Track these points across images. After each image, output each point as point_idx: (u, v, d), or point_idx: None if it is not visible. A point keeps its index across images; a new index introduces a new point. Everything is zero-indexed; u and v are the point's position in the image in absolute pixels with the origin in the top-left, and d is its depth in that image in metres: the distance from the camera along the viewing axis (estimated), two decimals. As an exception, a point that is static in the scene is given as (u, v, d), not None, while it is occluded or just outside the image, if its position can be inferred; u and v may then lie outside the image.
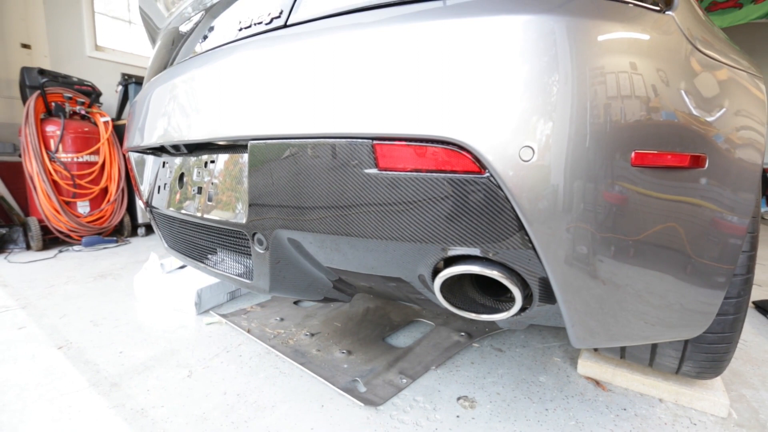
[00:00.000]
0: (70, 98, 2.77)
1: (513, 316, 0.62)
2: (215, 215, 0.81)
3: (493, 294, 0.69)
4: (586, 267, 0.55)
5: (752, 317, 1.53)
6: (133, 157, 1.19)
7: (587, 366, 1.09)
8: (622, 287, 0.60)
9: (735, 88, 0.68)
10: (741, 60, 0.75)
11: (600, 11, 0.51)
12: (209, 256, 0.97)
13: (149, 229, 3.21)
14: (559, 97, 0.48)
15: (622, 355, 0.99)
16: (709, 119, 0.61)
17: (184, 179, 0.92)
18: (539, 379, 1.08)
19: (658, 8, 0.57)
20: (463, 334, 1.31)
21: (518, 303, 0.59)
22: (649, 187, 0.55)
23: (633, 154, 0.53)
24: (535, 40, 0.48)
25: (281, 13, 0.68)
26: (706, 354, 0.82)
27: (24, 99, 2.69)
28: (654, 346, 0.90)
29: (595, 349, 1.09)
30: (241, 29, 0.76)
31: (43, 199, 2.57)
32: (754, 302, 1.62)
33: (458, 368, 1.13)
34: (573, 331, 0.60)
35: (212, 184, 0.82)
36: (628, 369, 1.03)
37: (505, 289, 0.71)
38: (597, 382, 1.06)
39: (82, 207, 2.76)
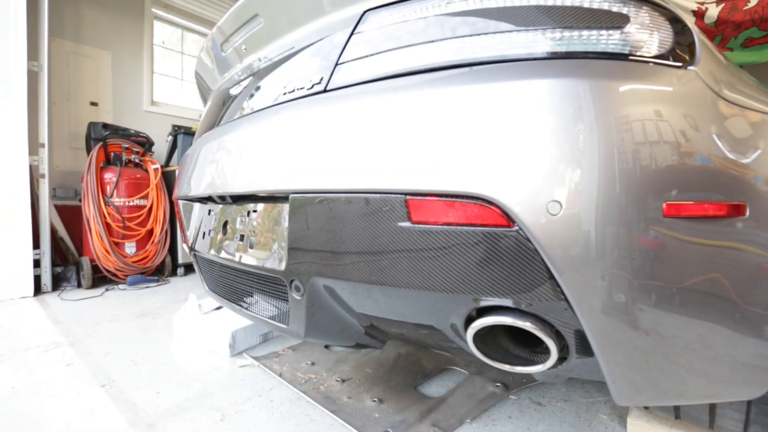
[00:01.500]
0: (127, 148, 3.07)
1: (549, 368, 0.60)
2: (255, 261, 0.86)
3: (529, 345, 0.68)
4: (624, 317, 0.54)
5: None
6: (181, 204, 1.29)
7: (638, 425, 1.00)
8: (668, 338, 0.57)
9: (769, 131, 0.67)
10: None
11: (621, 73, 0.54)
12: (247, 300, 1.01)
13: (188, 269, 3.36)
14: (583, 155, 0.49)
15: (677, 415, 0.91)
16: (744, 163, 0.60)
17: (228, 226, 0.99)
18: (584, 438, 1.01)
19: (680, 65, 0.59)
20: (498, 384, 1.25)
21: (554, 355, 0.57)
22: (687, 233, 0.54)
23: (665, 206, 0.53)
24: (559, 101, 0.51)
25: (321, 79, 0.76)
26: (773, 417, 0.74)
27: (88, 149, 3.00)
28: (713, 407, 0.82)
29: (646, 408, 1.00)
30: (285, 93, 0.84)
31: (97, 241, 2.77)
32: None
33: (495, 422, 1.07)
34: (615, 386, 0.57)
35: (253, 232, 0.87)
36: (686, 430, 0.94)
37: (541, 341, 0.69)
38: (649, 445, 0.97)
39: (129, 247, 2.95)
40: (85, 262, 2.77)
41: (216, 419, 1.10)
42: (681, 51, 0.60)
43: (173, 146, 3.45)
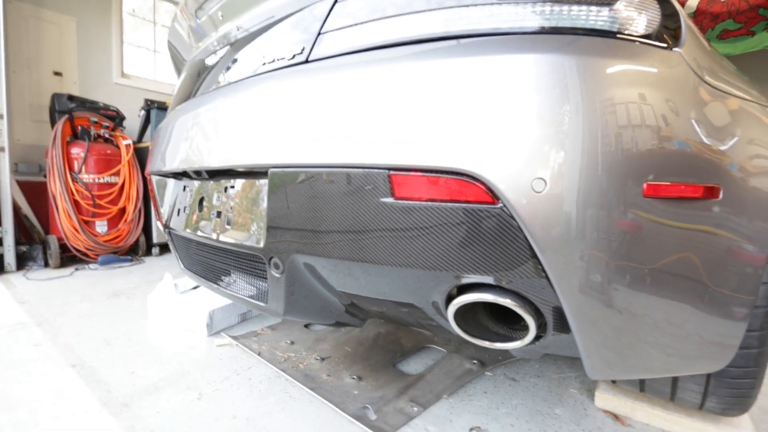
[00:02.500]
0: (96, 122, 2.90)
1: (527, 345, 0.62)
2: (233, 238, 0.84)
3: (507, 322, 0.69)
4: (600, 296, 0.55)
5: (778, 350, 1.47)
6: (155, 180, 1.24)
7: (605, 399, 1.05)
8: (639, 317, 0.59)
9: (746, 119, 0.69)
10: (751, 91, 0.76)
11: (608, 50, 0.53)
12: (224, 278, 0.99)
13: (163, 249, 3.26)
14: (569, 132, 0.49)
15: (641, 388, 0.95)
16: (722, 149, 0.62)
17: (204, 203, 0.95)
18: (555, 411, 1.05)
19: (665, 45, 0.59)
20: (475, 361, 1.29)
21: (532, 332, 0.59)
22: (663, 215, 0.56)
23: (645, 186, 0.54)
24: (546, 78, 0.50)
25: (303, 50, 0.72)
26: (730, 389, 0.79)
27: (53, 123, 2.83)
28: (675, 380, 0.87)
29: (614, 382, 1.05)
30: (264, 63, 0.80)
31: (64, 218, 2.65)
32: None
33: (471, 397, 1.10)
34: (589, 361, 0.59)
35: (231, 208, 0.85)
36: (649, 403, 1.00)
37: (519, 318, 0.71)
38: (616, 416, 1.02)
39: (100, 226, 2.83)
40: (53, 240, 2.65)
41: (193, 398, 1.09)
42: (667, 32, 0.60)
43: (146, 121, 3.29)
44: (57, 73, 3.22)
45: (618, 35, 0.55)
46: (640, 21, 0.56)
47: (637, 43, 0.56)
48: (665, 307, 0.60)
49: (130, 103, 3.60)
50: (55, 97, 2.81)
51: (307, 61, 0.71)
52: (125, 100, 3.58)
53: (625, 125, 0.52)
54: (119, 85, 3.64)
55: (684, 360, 0.67)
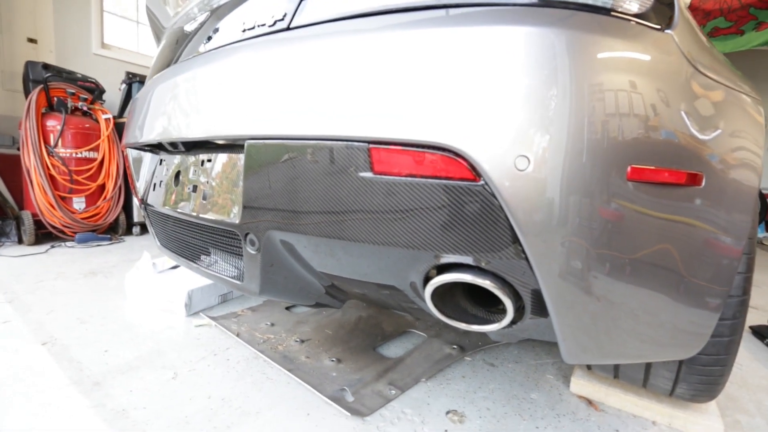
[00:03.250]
0: (73, 94, 2.78)
1: (504, 328, 0.61)
2: (209, 214, 0.80)
3: (485, 305, 0.68)
4: (580, 282, 0.55)
5: (748, 342, 1.52)
6: (131, 153, 1.19)
7: (580, 384, 1.07)
8: (616, 305, 0.59)
9: (734, 110, 0.69)
10: (741, 83, 0.75)
11: (600, 27, 0.52)
12: (201, 255, 0.96)
13: (144, 228, 3.19)
14: (556, 110, 0.48)
15: (615, 374, 0.97)
16: (706, 138, 0.61)
17: (180, 177, 0.92)
18: (531, 395, 1.06)
19: (658, 27, 0.57)
20: (455, 347, 1.29)
21: (510, 314, 0.58)
22: (646, 204, 0.55)
23: (629, 169, 0.53)
24: (536, 51, 0.48)
25: (285, 16, 0.69)
26: (700, 376, 0.80)
27: (27, 93, 2.70)
28: (648, 367, 0.88)
29: (588, 368, 1.07)
30: (244, 30, 0.76)
31: (39, 193, 2.55)
32: (750, 327, 1.61)
33: (449, 381, 1.11)
34: (565, 345, 0.59)
35: (207, 183, 0.81)
36: (622, 389, 1.02)
37: (497, 301, 0.70)
38: (589, 402, 1.04)
39: (78, 203, 2.74)
40: (27, 216, 2.55)
41: (168, 377, 1.07)
42: (660, 13, 0.58)
43: (127, 95, 3.18)
44: (31, 40, 3.06)
45: (612, 12, 0.53)
46: (634, -2, 0.54)
47: (631, 22, 0.55)
48: (643, 296, 0.60)
49: (110, 75, 3.46)
50: (29, 65, 2.67)
51: (288, 29, 0.67)
52: (105, 72, 3.44)
53: (612, 106, 0.51)
54: (99, 56, 3.48)
55: (658, 347, 0.67)
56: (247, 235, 0.73)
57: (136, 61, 3.72)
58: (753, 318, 1.78)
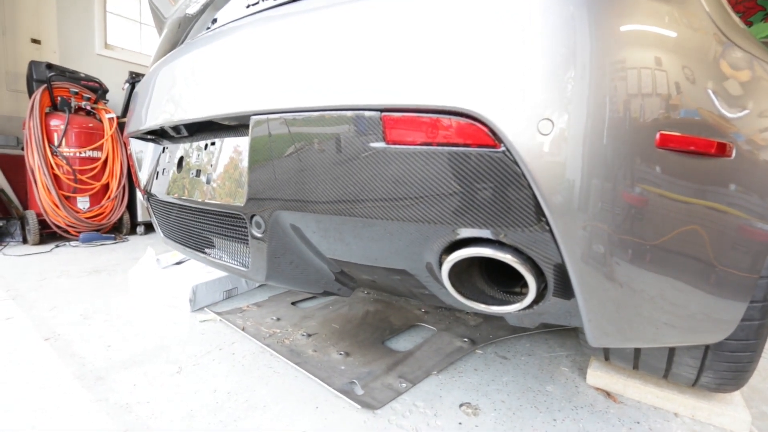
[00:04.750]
0: (77, 93, 2.78)
1: (524, 309, 0.58)
2: (213, 198, 0.78)
3: (503, 287, 0.65)
4: (614, 256, 0.51)
5: None
6: (134, 144, 1.17)
7: (597, 376, 1.03)
8: (649, 284, 0.56)
9: (765, 83, 0.65)
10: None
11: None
12: (205, 244, 0.93)
13: (149, 228, 3.17)
14: (579, 67, 0.44)
15: (635, 365, 0.93)
16: (737, 113, 0.58)
17: (184, 163, 0.89)
18: (546, 388, 1.02)
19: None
20: (465, 340, 1.26)
21: (532, 292, 0.54)
22: (675, 175, 0.52)
23: (658, 135, 0.49)
24: (556, 8, 0.45)
25: (290, -13, 0.66)
26: (728, 363, 0.77)
27: (30, 93, 2.70)
28: (671, 356, 0.84)
29: (606, 359, 1.03)
30: (248, 6, 0.73)
31: (43, 193, 2.54)
32: None
33: (461, 374, 1.08)
34: (590, 327, 0.56)
35: (211, 166, 0.79)
36: (641, 380, 0.98)
37: (515, 282, 0.67)
38: (608, 394, 1.00)
39: (82, 202, 2.73)
40: (31, 216, 2.54)
41: (172, 372, 1.04)
42: (686, -28, 0.55)
43: (131, 95, 3.17)
44: (35, 41, 3.06)
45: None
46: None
47: (656, -19, 0.51)
48: (672, 281, 0.57)
49: (114, 75, 3.46)
50: (33, 65, 2.67)
51: (294, 0, 0.64)
52: (108, 72, 3.44)
53: (638, 71, 0.47)
54: (102, 56, 3.48)
55: (686, 332, 0.64)
56: (252, 217, 0.70)
57: (139, 62, 3.73)
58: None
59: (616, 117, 0.46)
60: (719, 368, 0.78)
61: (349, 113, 0.52)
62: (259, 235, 0.71)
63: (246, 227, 0.76)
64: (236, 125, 0.76)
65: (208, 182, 0.79)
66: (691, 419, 0.90)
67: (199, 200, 0.82)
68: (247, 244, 0.78)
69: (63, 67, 2.78)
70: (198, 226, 0.94)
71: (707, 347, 0.77)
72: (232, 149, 0.74)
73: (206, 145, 0.81)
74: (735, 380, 0.80)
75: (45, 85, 2.62)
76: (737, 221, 0.60)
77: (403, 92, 0.48)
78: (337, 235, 0.69)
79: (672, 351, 0.83)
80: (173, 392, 0.95)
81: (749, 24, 3.42)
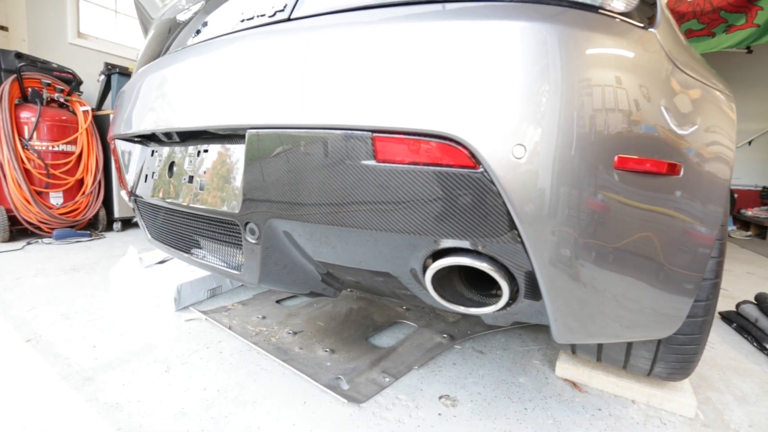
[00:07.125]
0: (49, 85, 2.68)
1: (499, 310, 0.64)
2: (206, 204, 0.81)
3: (480, 290, 0.71)
4: (571, 266, 0.58)
5: (718, 327, 1.61)
6: (119, 145, 1.17)
7: (565, 368, 1.12)
8: (608, 284, 0.63)
9: (709, 106, 0.73)
10: (716, 81, 0.81)
11: (589, 24, 0.55)
12: (195, 246, 0.96)
13: (125, 224, 3.11)
14: (548, 102, 0.51)
15: (598, 357, 1.02)
16: (684, 132, 0.65)
17: (174, 168, 0.91)
18: (519, 380, 1.11)
19: (642, 25, 0.61)
20: (445, 336, 1.33)
21: (505, 296, 0.61)
22: (630, 194, 0.59)
23: (616, 158, 0.56)
24: (529, 45, 0.51)
25: (285, 6, 0.69)
26: (676, 355, 0.86)
27: (-2, 83, 2.58)
28: (629, 349, 0.94)
29: (573, 352, 1.12)
30: (243, 20, 0.76)
31: (13, 188, 2.46)
32: (719, 312, 1.71)
33: (440, 369, 1.14)
34: (556, 326, 0.63)
35: (204, 173, 0.81)
36: (604, 371, 1.07)
37: (490, 287, 0.73)
38: (574, 384, 1.09)
39: (55, 198, 2.66)
40: (0, 212, 2.45)
41: (161, 371, 1.06)
42: (644, 12, 0.62)
43: (106, 87, 3.08)
44: (2, 28, 2.93)
45: (600, 10, 0.56)
46: (621, -3, 0.58)
47: (617, 20, 0.58)
48: (626, 282, 0.64)
49: (88, 66, 3.34)
50: (1, 54, 2.56)
51: (289, 19, 0.68)
52: (82, 62, 3.32)
53: (599, 100, 0.54)
54: (75, 46, 3.36)
55: (639, 328, 0.72)
56: (247, 224, 0.73)
57: (115, 52, 3.61)
58: (721, 304, 1.89)
59: (579, 146, 0.52)
60: (669, 359, 0.88)
61: (343, 132, 0.56)
62: (252, 241, 0.74)
63: (239, 233, 0.79)
64: (230, 135, 0.79)
65: (201, 188, 0.82)
66: (646, 405, 1.00)
67: (191, 205, 0.84)
68: (240, 248, 0.82)
69: (34, 57, 2.68)
70: (188, 230, 0.97)
71: (659, 341, 0.86)
72: (227, 158, 0.77)
73: (199, 152, 0.84)
74: (683, 370, 0.90)
75: (14, 76, 2.52)
76: (683, 225, 0.68)
77: (393, 116, 0.53)
78: (323, 239, 0.74)
79: (630, 345, 0.92)
80: (163, 391, 0.97)
81: (712, 35, 3.63)
